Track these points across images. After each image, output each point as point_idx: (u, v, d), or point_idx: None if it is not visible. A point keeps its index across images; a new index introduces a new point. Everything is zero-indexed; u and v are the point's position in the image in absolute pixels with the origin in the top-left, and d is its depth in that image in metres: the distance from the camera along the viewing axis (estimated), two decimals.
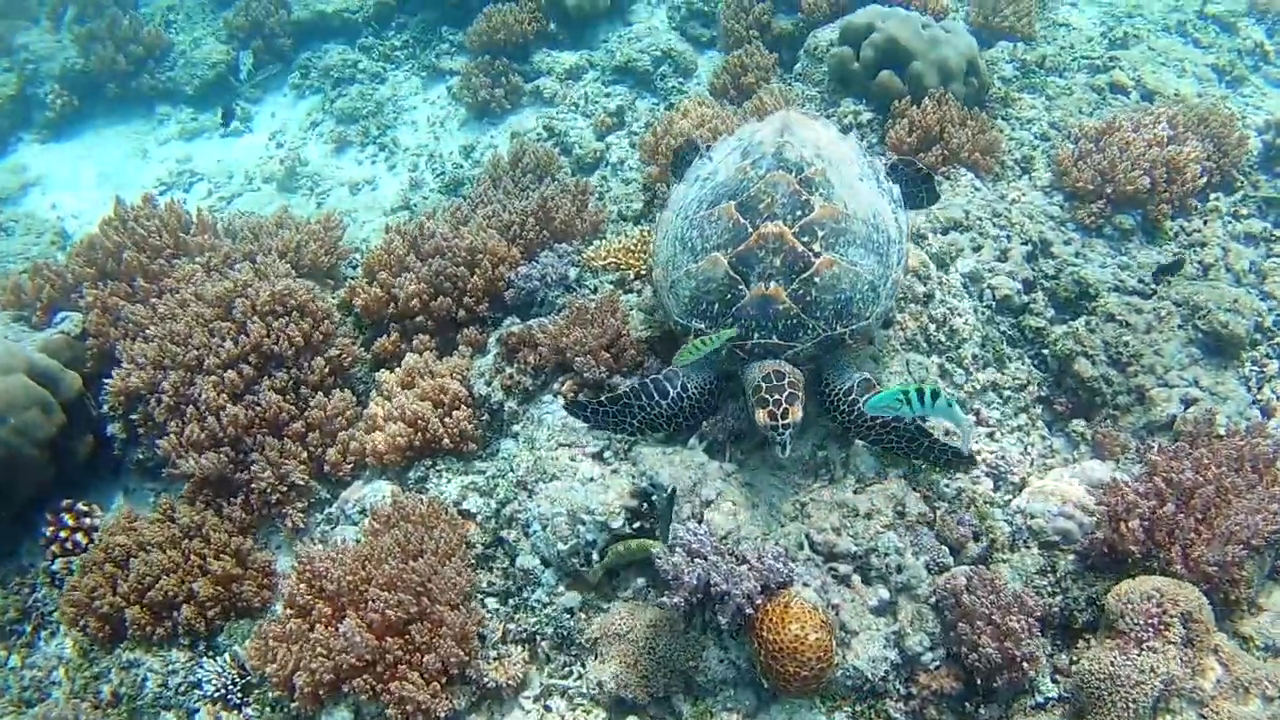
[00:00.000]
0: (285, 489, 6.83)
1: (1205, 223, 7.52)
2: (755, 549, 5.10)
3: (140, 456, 7.21)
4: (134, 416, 7.09)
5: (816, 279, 5.25)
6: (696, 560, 5.02)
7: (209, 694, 6.00)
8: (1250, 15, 10.77)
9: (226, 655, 6.16)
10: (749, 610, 4.88)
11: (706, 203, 5.67)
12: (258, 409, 6.89)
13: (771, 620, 4.87)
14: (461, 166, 10.43)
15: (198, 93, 12.60)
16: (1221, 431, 5.70)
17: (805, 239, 5.30)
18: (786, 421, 5.14)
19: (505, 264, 7.37)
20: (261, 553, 6.78)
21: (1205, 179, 7.62)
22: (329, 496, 7.09)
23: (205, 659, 6.17)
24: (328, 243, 8.28)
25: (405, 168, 10.70)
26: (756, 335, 5.32)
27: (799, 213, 5.35)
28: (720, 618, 4.92)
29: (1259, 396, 6.52)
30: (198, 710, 6.01)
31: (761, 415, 5.17)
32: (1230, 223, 7.62)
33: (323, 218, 8.56)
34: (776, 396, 5.14)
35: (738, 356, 5.43)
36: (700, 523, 5.31)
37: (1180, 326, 6.61)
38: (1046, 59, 9.65)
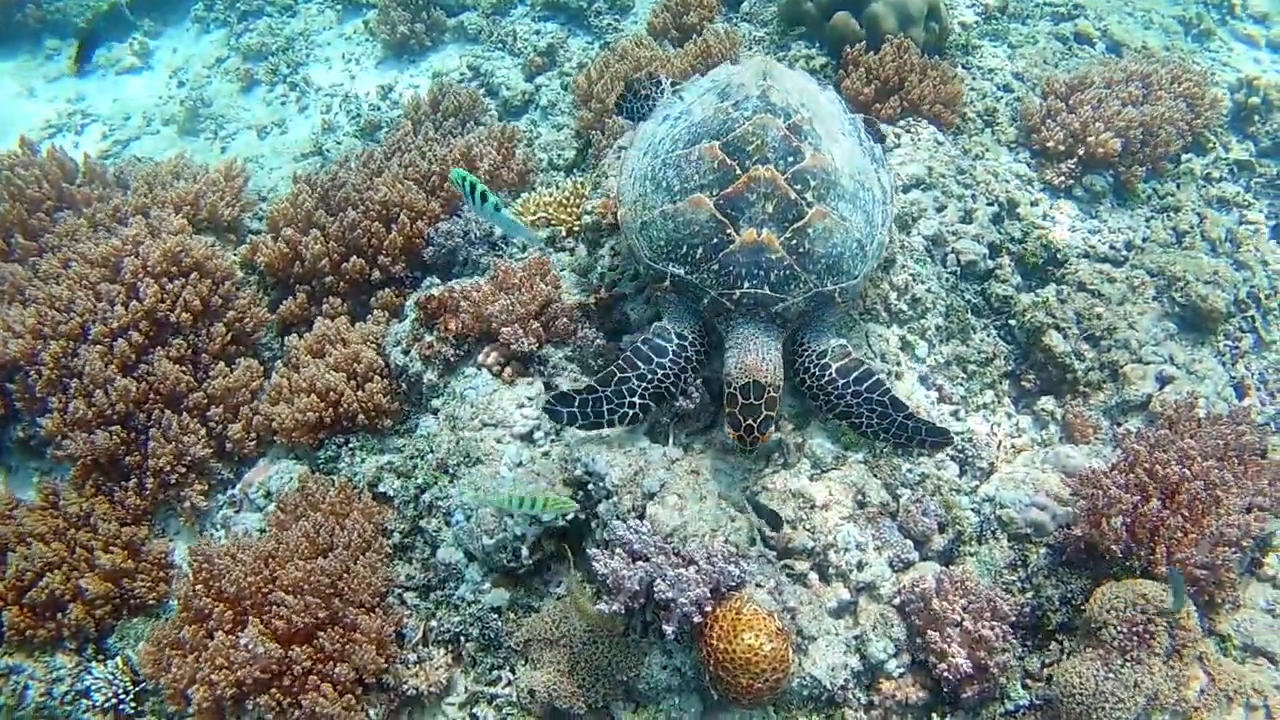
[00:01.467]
0: (184, 468, 6.26)
1: (1179, 186, 7.11)
2: (704, 547, 4.58)
3: (20, 434, 6.57)
4: (12, 388, 6.38)
5: (810, 229, 4.80)
6: (638, 563, 4.51)
7: (98, 704, 5.48)
8: None
9: (118, 659, 5.64)
10: (698, 618, 4.42)
11: (683, 141, 5.17)
12: (151, 380, 6.23)
13: (722, 628, 4.42)
14: (379, 108, 9.64)
15: (90, 25, 11.39)
16: (1201, 415, 5.30)
17: (797, 187, 4.84)
18: (755, 448, 4.78)
19: (424, 219, 6.68)
20: (158, 542, 6.22)
21: (1180, 141, 7.20)
22: (231, 476, 6.52)
23: (94, 664, 5.63)
24: (229, 193, 7.49)
25: (318, 109, 9.80)
26: (747, 284, 4.77)
27: (790, 159, 4.90)
28: (666, 626, 4.43)
29: (1234, 373, 6.16)
30: None
31: (731, 434, 4.77)
32: (1204, 186, 7.22)
33: (224, 166, 7.74)
34: (750, 421, 4.65)
35: (724, 307, 4.87)
36: (642, 518, 4.76)
37: (1156, 298, 6.20)
38: (1009, 5, 9.14)
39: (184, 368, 6.38)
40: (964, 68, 7.99)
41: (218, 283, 6.52)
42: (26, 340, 6.22)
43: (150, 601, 5.90)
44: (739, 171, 4.86)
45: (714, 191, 4.87)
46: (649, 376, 4.97)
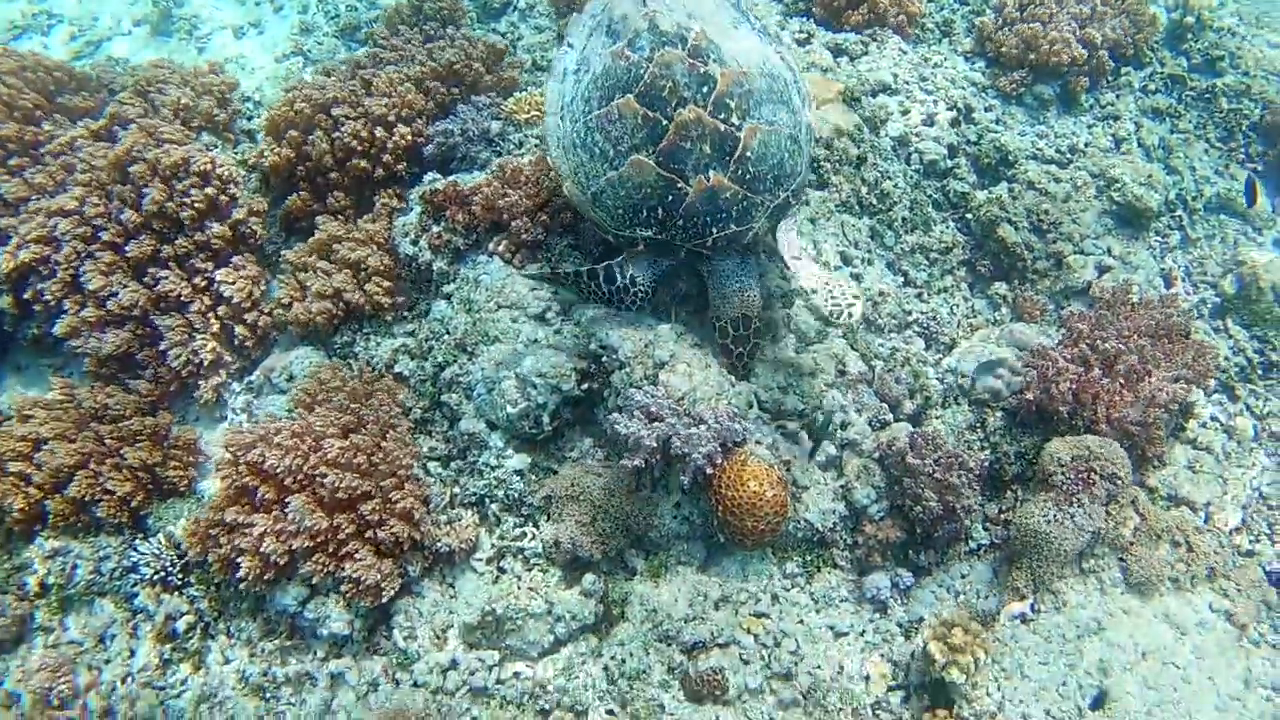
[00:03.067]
0: (196, 365, 6.56)
1: (1118, 96, 7.76)
2: (711, 409, 5.15)
3: (35, 331, 6.68)
4: (25, 295, 6.53)
5: (749, 154, 5.03)
6: (655, 423, 5.04)
7: (146, 577, 5.80)
8: None
9: (160, 536, 5.92)
10: (710, 470, 4.97)
11: (596, 100, 5.20)
12: (161, 286, 6.50)
13: (730, 478, 5.00)
14: (356, 8, 9.64)
15: None
16: (1135, 299, 6.02)
17: (721, 115, 4.99)
18: (748, 369, 5.46)
19: (423, 118, 6.99)
20: (185, 429, 6.47)
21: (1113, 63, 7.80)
22: (247, 364, 6.81)
23: (139, 542, 5.91)
24: (220, 97, 7.65)
25: (294, 9, 9.80)
26: (714, 229, 5.13)
27: (704, 89, 5.00)
28: (682, 477, 5.00)
29: (1163, 265, 6.90)
30: (136, 594, 5.79)
31: (723, 360, 5.47)
32: (1141, 97, 7.88)
33: (212, 69, 7.88)
34: (740, 349, 5.37)
35: (699, 254, 5.31)
36: (655, 384, 5.31)
37: (1096, 197, 6.88)
38: None
39: (191, 262, 6.64)
40: None
41: (223, 185, 6.74)
42: (38, 246, 6.39)
43: (181, 487, 6.19)
44: (664, 121, 4.96)
45: (649, 149, 5.00)
46: (593, 290, 5.55)
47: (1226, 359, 6.51)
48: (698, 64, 5.03)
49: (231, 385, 6.77)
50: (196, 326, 6.60)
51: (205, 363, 6.56)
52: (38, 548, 5.85)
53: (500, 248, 6.15)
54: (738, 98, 5.04)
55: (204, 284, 6.70)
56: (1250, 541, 5.68)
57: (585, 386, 5.59)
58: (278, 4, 9.76)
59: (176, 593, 5.77)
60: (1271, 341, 6.67)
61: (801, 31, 7.30)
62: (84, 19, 9.83)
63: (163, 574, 5.80)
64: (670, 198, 5.05)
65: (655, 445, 5.00)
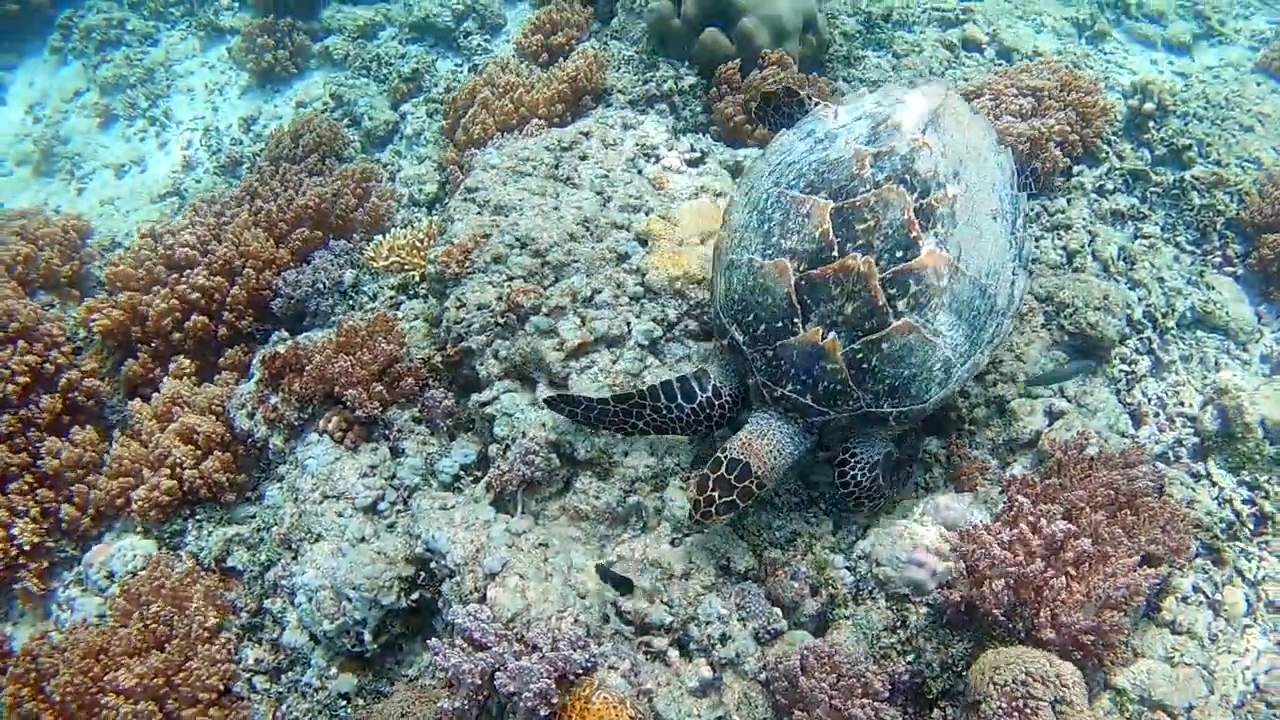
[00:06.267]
0: (15, 553, 5.87)
1: (1069, 202, 6.85)
2: (550, 631, 4.22)
3: None
4: None
5: (884, 345, 4.30)
6: (479, 653, 4.14)
7: None
8: None
9: None
10: (544, 711, 4.08)
11: (805, 181, 4.64)
12: None
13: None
14: (241, 142, 9.06)
15: None
16: (1093, 453, 5.02)
17: (892, 290, 4.29)
18: (703, 524, 4.41)
19: (273, 268, 6.25)
20: None
21: (1068, 160, 6.93)
22: (77, 553, 6.08)
23: None
24: (67, 248, 6.97)
25: (178, 145, 9.23)
26: (790, 386, 4.42)
27: (899, 253, 4.32)
28: None
29: (1129, 399, 5.90)
30: None
31: (689, 498, 4.63)
32: (1096, 200, 6.96)
33: (63, 220, 7.27)
34: (716, 494, 4.32)
35: (762, 396, 4.53)
36: (483, 602, 4.38)
37: (1045, 325, 5.91)
38: (894, 11, 8.80)
39: (17, 440, 6.02)
40: (845, 80, 7.66)
41: (46, 349, 6.04)
42: None
43: None
44: (835, 254, 4.34)
45: (802, 265, 4.39)
46: (665, 413, 4.66)
47: (1209, 514, 5.45)
48: (915, 225, 4.35)
49: (62, 574, 6.02)
50: (17, 509, 5.91)
51: (24, 550, 5.86)
52: None
53: (330, 425, 5.31)
54: (924, 286, 4.32)
55: (30, 459, 6.05)
56: None
57: (415, 597, 4.71)
58: (163, 139, 9.22)
59: None
60: (1263, 488, 5.60)
61: (694, 150, 6.44)
62: None
63: None
64: (780, 325, 4.42)
65: (480, 681, 4.12)
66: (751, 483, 4.33)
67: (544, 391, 5.07)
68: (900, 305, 4.30)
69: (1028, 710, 4.03)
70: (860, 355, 4.31)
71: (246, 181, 7.05)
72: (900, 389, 4.41)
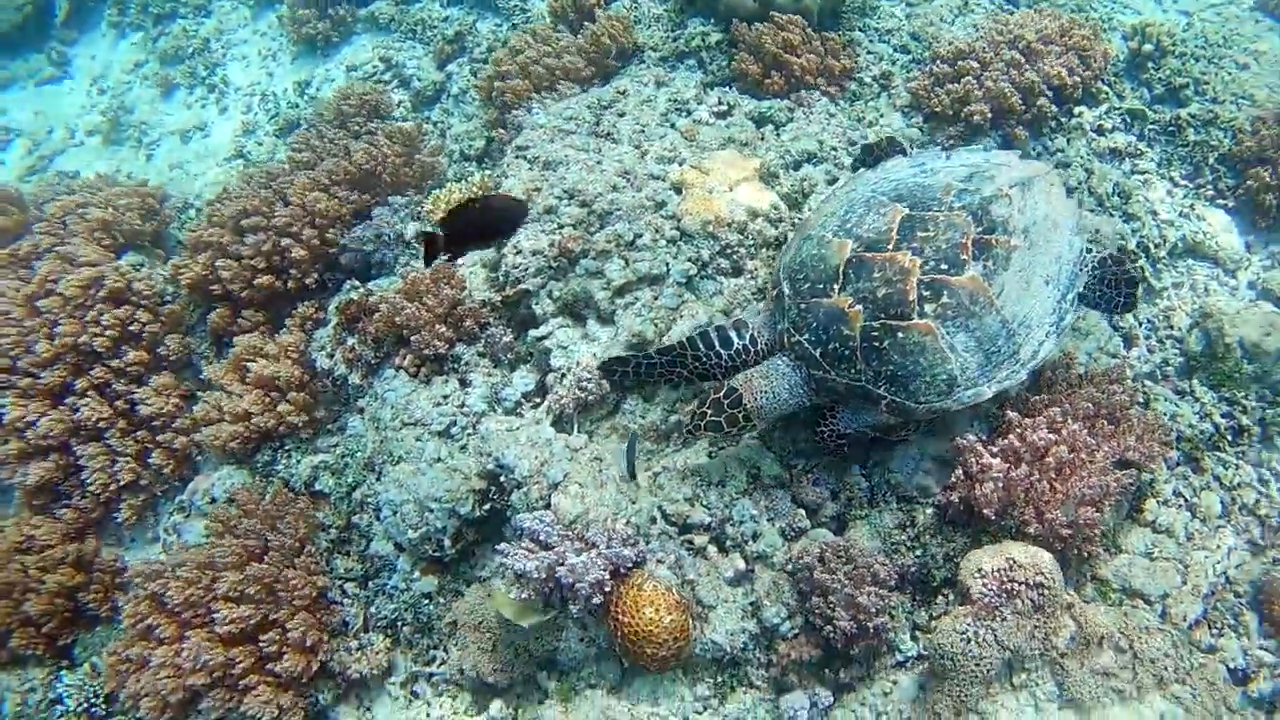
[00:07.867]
0: (116, 489, 6.58)
1: (1069, 141, 7.32)
2: (604, 531, 4.89)
3: None
4: None
5: (900, 334, 4.68)
6: (542, 552, 4.80)
7: (71, 709, 5.80)
8: None
9: (85, 666, 5.95)
10: (598, 599, 4.72)
11: (895, 193, 5.14)
12: (81, 414, 6.52)
13: (625, 605, 4.75)
14: (297, 105, 9.62)
15: (7, 36, 11.32)
16: (1080, 372, 5.60)
17: (925, 294, 4.69)
18: (692, 435, 4.98)
19: (338, 224, 6.87)
20: (108, 553, 6.51)
21: (1055, 106, 7.32)
22: (179, 483, 6.78)
23: (64, 673, 5.94)
24: (145, 212, 7.64)
25: (237, 110, 9.83)
26: (806, 337, 4.86)
27: (944, 266, 4.72)
28: (571, 607, 4.76)
29: (1121, 323, 6.44)
30: None
31: (686, 411, 5.24)
32: (1094, 139, 7.41)
33: (136, 185, 7.92)
34: (707, 411, 4.83)
35: (783, 340, 5.03)
36: (548, 508, 5.06)
37: None
38: None
39: (113, 387, 6.68)
40: (860, 30, 8.08)
41: (135, 307, 6.76)
42: None
43: (104, 614, 6.17)
44: (890, 248, 4.80)
45: (860, 246, 4.87)
46: (705, 360, 5.14)
47: (1191, 426, 6.02)
48: (968, 250, 4.76)
49: (166, 503, 6.74)
50: (117, 450, 6.59)
51: (123, 484, 6.55)
52: None
53: (405, 361, 5.97)
54: (956, 301, 4.69)
55: (125, 407, 6.70)
56: (1213, 635, 5.21)
57: (487, 507, 5.38)
58: (223, 105, 9.79)
59: None
60: (1241, 403, 6.15)
61: (722, 104, 6.98)
62: (39, 131, 9.98)
63: (87, 706, 5.78)
64: (821, 287, 4.87)
65: (543, 575, 4.76)
66: (739, 412, 4.83)
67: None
68: (927, 309, 4.67)
69: (1011, 591, 4.69)
70: (876, 333, 4.70)
71: (294, 149, 7.63)
72: (900, 380, 4.75)
